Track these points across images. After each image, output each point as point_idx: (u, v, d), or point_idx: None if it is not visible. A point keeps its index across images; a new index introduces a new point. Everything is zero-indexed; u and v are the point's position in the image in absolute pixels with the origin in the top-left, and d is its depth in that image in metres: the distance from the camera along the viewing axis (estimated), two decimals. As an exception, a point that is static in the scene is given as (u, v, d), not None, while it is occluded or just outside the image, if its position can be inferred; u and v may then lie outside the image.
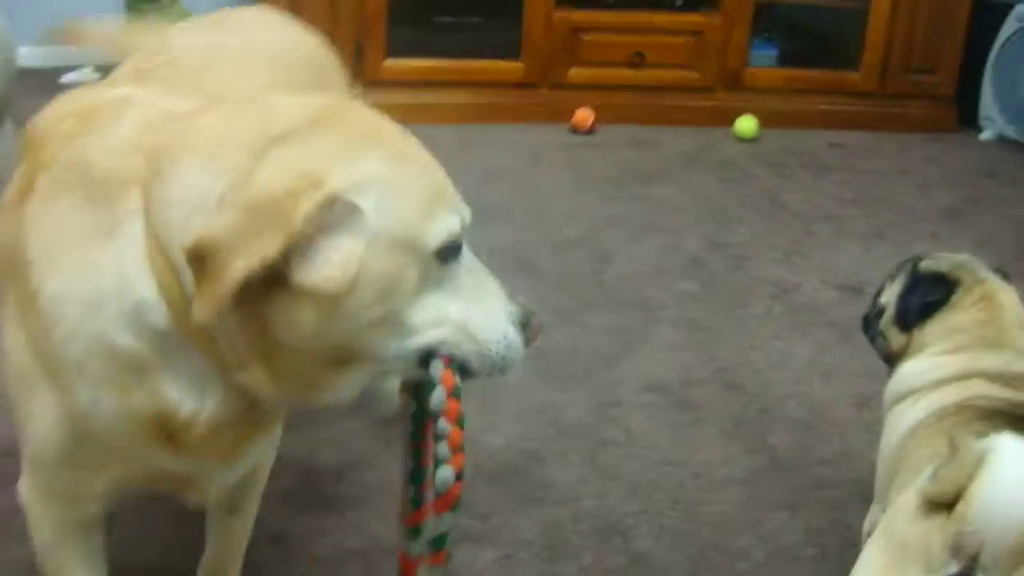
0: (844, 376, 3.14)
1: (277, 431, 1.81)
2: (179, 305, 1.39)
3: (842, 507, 2.58)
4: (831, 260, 3.90)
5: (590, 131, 5.05)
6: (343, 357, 1.44)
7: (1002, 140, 5.43)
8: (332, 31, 4.66)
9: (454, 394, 1.49)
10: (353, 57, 4.73)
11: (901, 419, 2.07)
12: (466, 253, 1.51)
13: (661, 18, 5.15)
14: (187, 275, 1.36)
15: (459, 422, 1.49)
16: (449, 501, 1.51)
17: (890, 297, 2.26)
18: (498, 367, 1.52)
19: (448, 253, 1.45)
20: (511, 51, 5.06)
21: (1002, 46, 5.37)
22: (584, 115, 5.04)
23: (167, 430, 1.49)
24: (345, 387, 1.49)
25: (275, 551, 2.36)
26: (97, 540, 1.76)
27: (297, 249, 1.32)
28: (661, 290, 3.59)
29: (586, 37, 5.07)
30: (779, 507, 2.59)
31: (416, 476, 1.66)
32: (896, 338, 2.22)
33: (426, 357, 1.48)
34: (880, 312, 2.27)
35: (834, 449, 2.81)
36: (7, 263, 1.51)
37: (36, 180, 1.49)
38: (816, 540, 2.49)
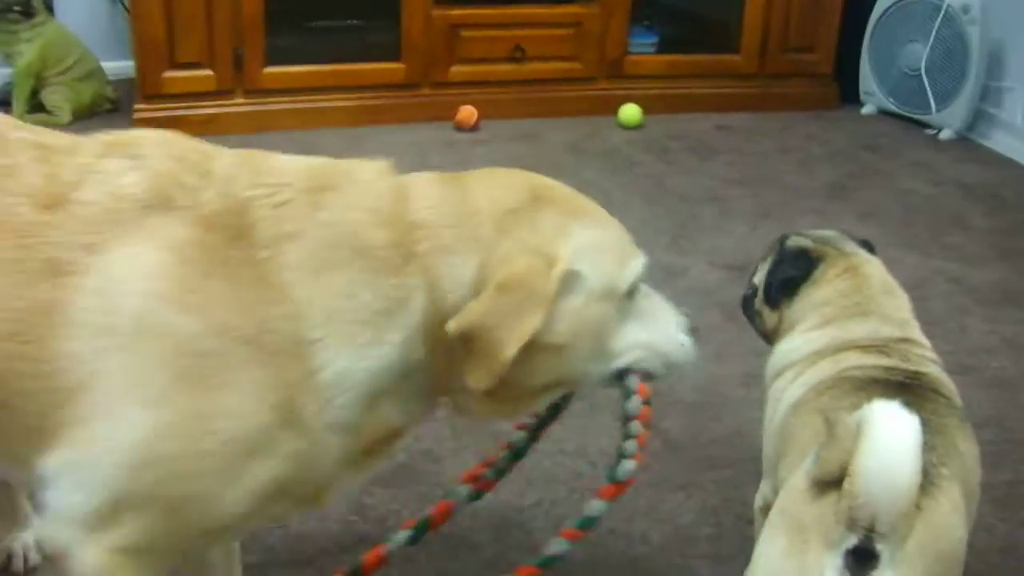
0: (733, 356, 3.17)
1: None
2: (440, 362, 1.63)
3: (736, 485, 2.60)
4: (718, 241, 3.93)
5: (474, 128, 5.04)
6: (557, 384, 1.74)
7: (883, 113, 5.54)
8: (209, 41, 4.64)
9: (648, 403, 1.81)
10: (232, 67, 4.69)
11: (781, 396, 2.09)
12: (643, 286, 1.78)
13: (540, 11, 5.16)
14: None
15: (647, 426, 1.82)
16: (622, 489, 1.87)
17: (761, 276, 2.28)
18: (680, 370, 1.85)
19: (633, 290, 1.73)
20: (391, 52, 5.03)
21: (878, 21, 5.47)
22: (467, 112, 5.03)
23: (380, 446, 1.69)
24: (545, 403, 1.81)
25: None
26: None
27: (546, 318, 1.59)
28: (551, 281, 3.58)
29: (465, 34, 5.06)
30: (674, 489, 2.61)
31: (519, 454, 2.02)
32: (769, 317, 2.24)
33: (621, 374, 1.78)
34: (754, 292, 2.29)
35: (726, 428, 2.84)
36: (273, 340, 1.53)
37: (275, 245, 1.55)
38: (712, 519, 2.52)
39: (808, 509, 1.59)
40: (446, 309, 1.59)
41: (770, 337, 2.25)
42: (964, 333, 3.40)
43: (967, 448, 1.79)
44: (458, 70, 5.09)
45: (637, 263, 1.73)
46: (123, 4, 5.14)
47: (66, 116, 4.79)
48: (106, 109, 4.98)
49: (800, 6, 5.40)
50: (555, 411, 1.96)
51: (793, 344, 2.13)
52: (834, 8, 5.48)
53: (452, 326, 1.57)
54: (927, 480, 1.58)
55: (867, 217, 4.26)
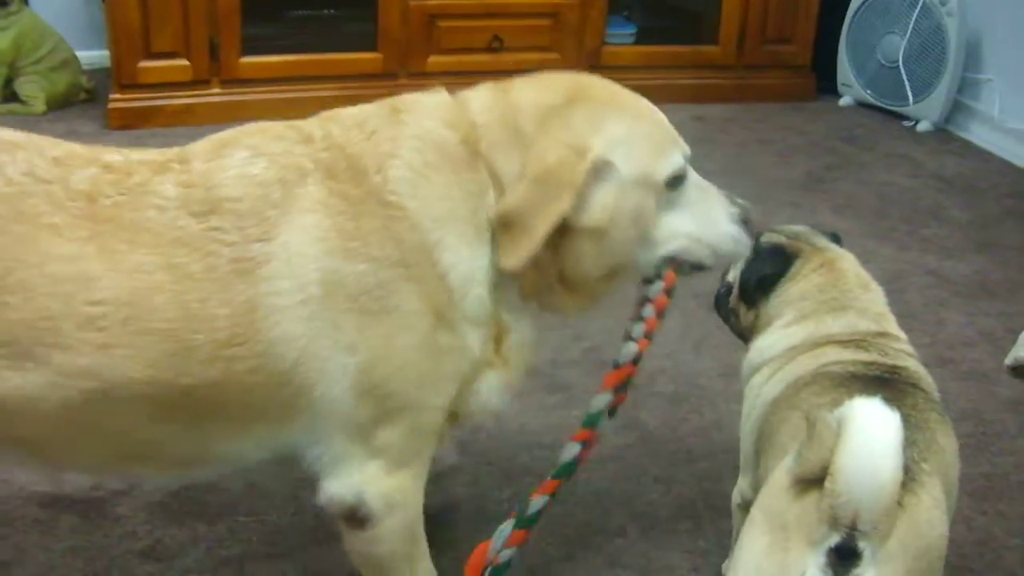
0: (712, 348, 3.17)
1: None
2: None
3: (714, 478, 2.60)
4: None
5: (453, 118, 5.00)
6: (613, 272, 1.90)
7: (860, 105, 5.55)
8: (185, 31, 4.61)
9: (668, 293, 1.99)
10: (209, 56, 4.65)
11: (759, 393, 2.09)
12: (691, 175, 1.93)
13: (518, 1, 5.14)
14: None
15: (661, 315, 1.99)
16: (621, 376, 2.02)
17: (735, 274, 2.27)
18: (730, 260, 2.07)
19: (675, 181, 1.88)
20: (368, 42, 5.00)
21: (856, 12, 5.48)
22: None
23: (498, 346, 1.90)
24: (612, 292, 1.96)
25: (148, 565, 2.30)
26: None
27: (576, 203, 1.76)
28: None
29: (443, 24, 5.03)
30: (652, 481, 2.61)
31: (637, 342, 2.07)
32: (745, 314, 2.24)
33: (670, 262, 1.94)
34: (729, 290, 2.29)
35: (704, 421, 2.84)
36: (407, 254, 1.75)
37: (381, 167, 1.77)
38: (690, 512, 2.52)
39: (790, 507, 1.59)
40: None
41: (745, 335, 2.25)
42: (941, 325, 3.41)
43: (947, 443, 1.79)
44: (436, 60, 5.06)
45: (675, 156, 1.88)
46: (98, -7, 5.11)
47: (40, 106, 4.75)
48: (81, 99, 4.94)
49: (778, -3, 5.40)
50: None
51: (770, 340, 2.13)
52: (812, -1, 5.48)
53: (491, 213, 1.80)
54: (908, 476, 1.58)
55: (844, 209, 4.26)
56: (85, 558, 2.30)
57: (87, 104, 4.91)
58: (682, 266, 1.96)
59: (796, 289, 2.14)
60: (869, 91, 5.47)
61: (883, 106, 5.43)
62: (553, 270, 1.86)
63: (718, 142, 4.92)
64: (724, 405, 2.87)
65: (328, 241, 1.70)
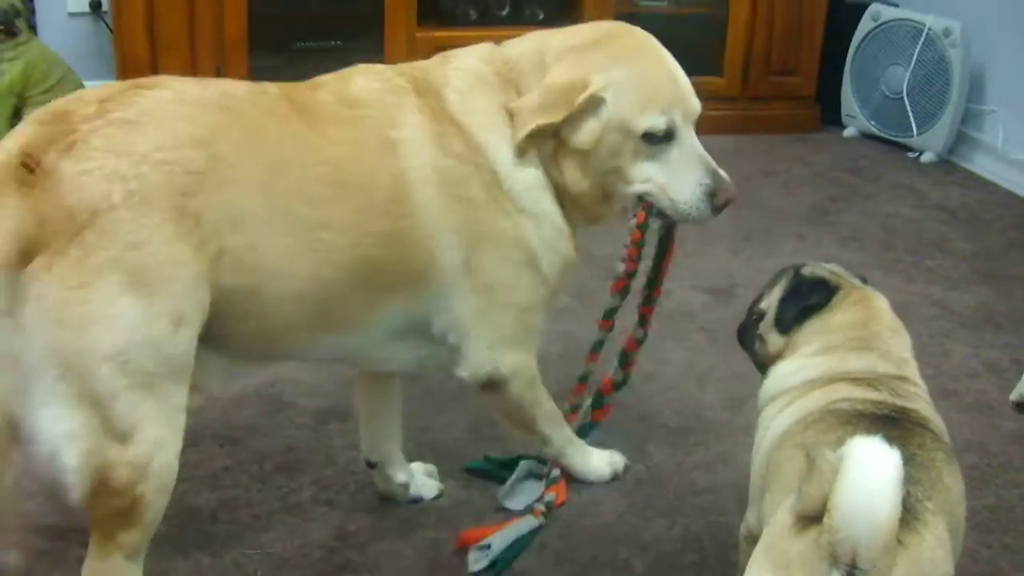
0: (717, 381, 3.17)
1: None
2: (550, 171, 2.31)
3: (720, 512, 2.60)
4: (700, 265, 3.93)
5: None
6: (602, 194, 2.32)
7: (865, 136, 5.56)
8: (192, 61, 4.63)
9: (640, 227, 2.36)
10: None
11: (770, 425, 2.08)
12: (686, 140, 2.28)
13: (522, 33, 5.12)
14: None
15: (636, 243, 2.40)
16: (619, 285, 2.50)
17: (771, 302, 2.27)
18: (687, 219, 2.31)
19: (654, 139, 2.24)
20: (375, 73, 4.99)
21: (859, 44, 5.50)
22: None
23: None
24: (614, 213, 2.39)
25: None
26: None
27: (569, 122, 2.22)
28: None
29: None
30: (658, 515, 2.61)
31: (652, 281, 2.59)
32: (775, 341, 2.23)
33: (641, 201, 2.32)
34: (760, 317, 2.28)
35: (710, 454, 2.84)
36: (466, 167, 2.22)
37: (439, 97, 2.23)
38: (695, 545, 2.51)
39: (792, 545, 1.59)
40: None
41: (767, 364, 2.24)
42: (946, 357, 3.41)
43: (953, 483, 1.79)
44: (442, 91, 5.07)
45: (657, 118, 2.23)
46: (106, 23, 5.14)
47: (48, 136, 4.75)
48: (88, 129, 4.94)
49: (782, 29, 5.42)
50: (661, 252, 2.51)
51: (791, 368, 2.13)
52: (816, 31, 5.50)
53: (507, 106, 2.25)
54: (911, 515, 1.58)
55: (849, 240, 4.27)
56: (91, 591, 2.30)
57: (94, 134, 4.92)
58: (651, 208, 2.32)
59: (831, 320, 2.15)
60: (873, 122, 5.49)
61: (887, 137, 5.45)
62: (559, 181, 2.29)
63: (723, 173, 4.93)
64: (729, 438, 2.88)
65: (430, 137, 2.18)
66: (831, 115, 5.65)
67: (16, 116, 4.78)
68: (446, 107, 2.22)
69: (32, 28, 4.91)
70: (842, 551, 1.50)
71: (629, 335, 2.66)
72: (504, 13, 5.12)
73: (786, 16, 5.42)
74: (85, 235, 1.77)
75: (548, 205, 2.30)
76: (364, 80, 2.22)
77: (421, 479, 2.64)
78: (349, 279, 2.10)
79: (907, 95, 5.29)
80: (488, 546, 2.42)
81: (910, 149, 5.36)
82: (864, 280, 2.25)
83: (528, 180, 2.26)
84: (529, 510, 2.55)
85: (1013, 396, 2.21)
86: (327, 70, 4.69)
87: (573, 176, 2.27)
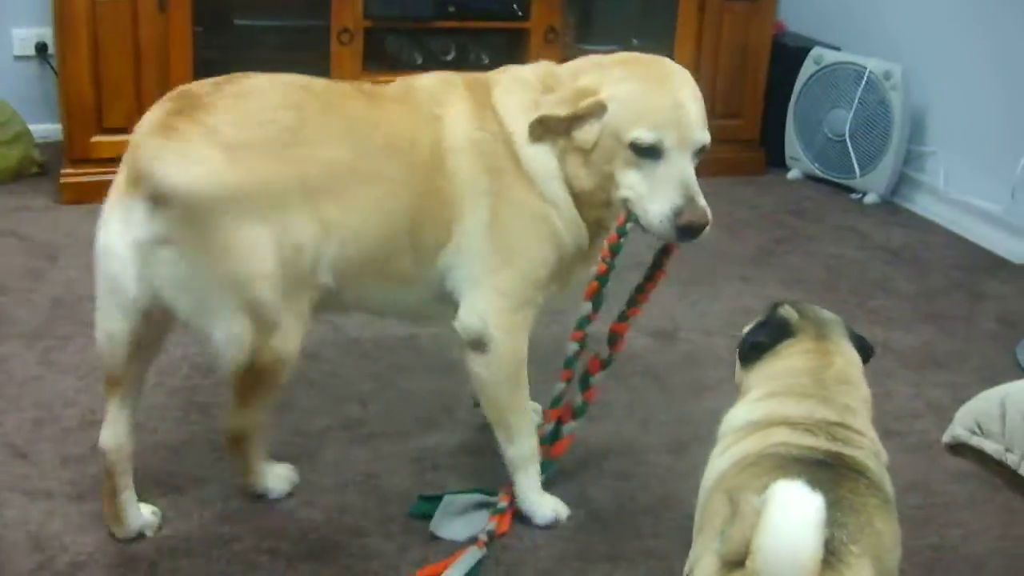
0: (659, 424, 3.18)
1: None
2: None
3: (663, 556, 2.60)
4: (646, 308, 3.90)
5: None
6: (602, 197, 2.53)
7: (808, 178, 5.61)
8: (139, 106, 4.59)
9: (618, 230, 2.51)
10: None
11: (714, 465, 2.10)
12: (676, 162, 2.43)
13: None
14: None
15: (612, 245, 2.53)
16: (592, 289, 2.62)
17: (746, 330, 2.30)
18: (652, 230, 2.45)
19: (641, 151, 2.42)
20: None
21: (802, 87, 5.55)
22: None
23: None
24: (612, 219, 2.56)
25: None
26: None
27: (576, 122, 2.48)
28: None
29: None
30: (600, 559, 2.60)
31: (632, 300, 2.74)
32: (738, 373, 2.26)
33: (625, 205, 2.49)
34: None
35: (653, 497, 2.84)
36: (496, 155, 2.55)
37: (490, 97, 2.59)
38: (638, 590, 2.51)
39: None
40: None
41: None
42: (888, 397, 3.43)
43: (885, 528, 1.81)
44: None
45: (645, 133, 2.41)
46: (52, 67, 5.11)
47: (-9, 179, 4.73)
48: (33, 173, 4.90)
49: (726, 72, 5.46)
50: (651, 272, 2.70)
51: (737, 413, 2.15)
52: (759, 75, 5.55)
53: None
54: (835, 557, 1.59)
55: (793, 282, 4.30)
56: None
57: (39, 178, 4.88)
58: (630, 214, 2.47)
59: (777, 365, 2.17)
60: (817, 164, 5.54)
61: (831, 179, 5.50)
62: (568, 176, 2.55)
63: (668, 215, 4.94)
64: (672, 482, 2.88)
65: (468, 116, 2.55)
66: (775, 158, 5.70)
67: (-41, 161, 4.74)
68: (489, 99, 2.57)
69: (-24, 71, 4.88)
70: None
71: (593, 356, 2.73)
72: (449, 58, 5.13)
73: (729, 60, 5.47)
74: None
75: (562, 193, 2.55)
76: (426, 77, 2.67)
77: None
78: (399, 229, 2.52)
79: (849, 137, 5.35)
80: None
81: (853, 191, 5.42)
82: (863, 341, 2.27)
83: (545, 168, 2.54)
84: (473, 540, 2.57)
85: (945, 438, 2.22)
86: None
87: (576, 172, 2.53)
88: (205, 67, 4.68)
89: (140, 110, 4.59)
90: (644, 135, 2.41)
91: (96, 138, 4.60)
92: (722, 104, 5.47)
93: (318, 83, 2.58)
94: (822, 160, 5.52)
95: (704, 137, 2.48)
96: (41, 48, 5.23)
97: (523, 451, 2.68)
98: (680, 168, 2.43)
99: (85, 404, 3.08)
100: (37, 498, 2.67)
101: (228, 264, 2.32)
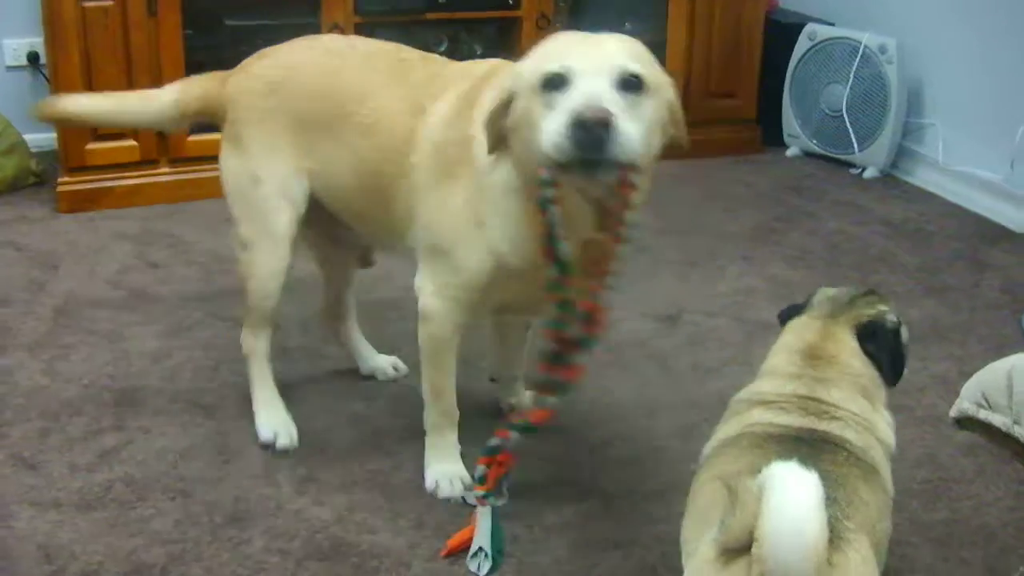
0: (667, 408, 3.17)
1: None
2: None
3: (674, 540, 2.53)
4: (648, 292, 3.92)
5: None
6: (530, 160, 2.31)
7: (807, 155, 5.60)
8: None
9: (541, 181, 2.26)
10: (156, 136, 4.65)
11: (706, 448, 2.12)
12: (586, 82, 2.19)
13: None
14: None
15: (539, 199, 2.27)
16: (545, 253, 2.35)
17: None
18: (553, 155, 2.18)
19: (551, 84, 2.23)
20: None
21: (797, 64, 5.54)
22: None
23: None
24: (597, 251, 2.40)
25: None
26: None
27: (504, 107, 2.36)
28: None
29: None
30: (612, 547, 2.60)
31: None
32: None
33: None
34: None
35: (662, 483, 2.83)
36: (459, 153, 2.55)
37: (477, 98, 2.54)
38: (651, 576, 2.51)
39: None
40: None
41: None
42: (895, 372, 3.42)
43: (871, 498, 1.81)
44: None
45: (551, 64, 2.24)
46: (44, 76, 5.10)
47: (-12, 191, 4.72)
48: (30, 183, 4.89)
49: (720, 52, 5.45)
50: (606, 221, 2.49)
51: (740, 392, 2.18)
52: (753, 53, 5.54)
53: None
54: (834, 534, 1.59)
55: (795, 260, 4.29)
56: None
57: (36, 187, 4.87)
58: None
59: (778, 343, 2.20)
60: (815, 141, 5.53)
61: (829, 155, 5.49)
62: (524, 175, 2.40)
63: (668, 199, 4.90)
64: (682, 466, 2.86)
65: (447, 115, 2.58)
66: (773, 136, 5.69)
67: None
68: (479, 96, 2.53)
69: (-31, 83, 4.87)
70: None
71: (566, 333, 2.35)
72: (441, 49, 5.12)
73: (723, 39, 5.45)
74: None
75: (512, 207, 2.46)
76: (465, 64, 2.80)
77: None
78: (372, 199, 2.75)
79: (847, 112, 5.34)
80: (480, 549, 2.48)
81: (852, 165, 5.41)
82: (874, 338, 2.23)
83: (497, 179, 2.46)
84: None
85: (953, 412, 2.22)
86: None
87: (520, 156, 2.35)
88: (197, 69, 4.63)
89: (133, 116, 4.61)
90: (550, 65, 2.22)
91: (91, 145, 4.59)
92: (717, 84, 5.47)
93: (363, 48, 2.88)
94: (820, 136, 5.51)
95: (627, 64, 2.23)
96: (33, 58, 5.21)
97: (429, 419, 2.81)
98: (589, 84, 2.19)
99: (91, 413, 3.07)
100: (46, 508, 2.67)
101: (238, 177, 2.94)
